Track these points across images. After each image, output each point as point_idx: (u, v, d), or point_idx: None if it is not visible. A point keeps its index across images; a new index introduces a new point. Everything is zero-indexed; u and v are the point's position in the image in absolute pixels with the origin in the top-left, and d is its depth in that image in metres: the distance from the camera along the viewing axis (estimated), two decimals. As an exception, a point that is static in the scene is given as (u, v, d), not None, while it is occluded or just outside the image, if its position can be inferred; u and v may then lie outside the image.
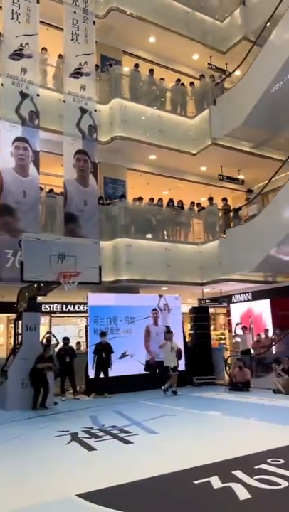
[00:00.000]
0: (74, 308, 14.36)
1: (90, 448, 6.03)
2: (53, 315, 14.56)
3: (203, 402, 10.41)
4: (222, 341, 17.36)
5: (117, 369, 11.65)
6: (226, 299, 15.87)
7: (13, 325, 12.41)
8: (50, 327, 14.16)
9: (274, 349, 13.14)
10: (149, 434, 6.83)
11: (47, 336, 11.98)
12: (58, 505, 4.06)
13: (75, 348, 12.19)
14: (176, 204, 14.68)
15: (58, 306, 14.18)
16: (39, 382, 9.67)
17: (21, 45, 12.15)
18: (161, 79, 15.44)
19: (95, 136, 13.22)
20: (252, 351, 13.39)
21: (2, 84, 11.75)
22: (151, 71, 15.28)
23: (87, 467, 5.24)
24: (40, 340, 10.93)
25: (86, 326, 12.47)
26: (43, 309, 13.04)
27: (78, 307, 14.27)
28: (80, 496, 4.16)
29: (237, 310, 16.28)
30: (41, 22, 12.91)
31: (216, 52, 16.69)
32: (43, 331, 11.80)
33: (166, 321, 12.95)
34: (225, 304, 16.05)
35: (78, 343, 13.27)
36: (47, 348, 10.34)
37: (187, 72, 17.12)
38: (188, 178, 16.49)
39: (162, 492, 4.25)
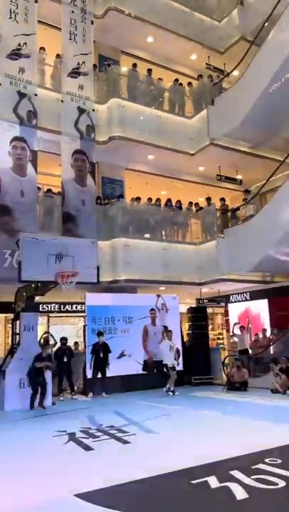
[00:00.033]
0: (72, 308, 14.35)
1: (87, 448, 6.03)
2: (50, 315, 14.56)
3: (201, 401, 10.41)
4: (220, 341, 17.39)
5: (115, 369, 11.65)
6: (224, 299, 15.88)
7: (10, 325, 12.41)
8: (48, 327, 14.16)
9: (272, 349, 13.16)
10: (147, 433, 6.84)
11: (45, 336, 11.97)
12: (56, 505, 4.06)
13: (72, 348, 12.18)
14: (174, 204, 14.69)
15: (56, 306, 14.17)
16: (37, 381, 9.67)
17: (19, 44, 12.12)
18: (159, 79, 15.45)
19: (93, 136, 13.21)
20: (250, 351, 13.40)
21: (0, 84, 11.73)
22: (150, 71, 15.29)
23: (85, 467, 5.24)
24: (38, 340, 10.93)
25: (84, 326, 12.47)
26: (40, 309, 13.04)
27: (76, 307, 14.26)
28: (78, 495, 4.16)
29: (235, 310, 16.29)
30: (39, 22, 12.87)
31: (214, 52, 16.68)
32: (40, 331, 11.79)
33: (164, 321, 12.96)
34: (223, 304, 16.07)
35: (76, 343, 13.27)
36: (45, 347, 10.34)
37: (185, 72, 17.12)
38: (186, 178, 16.49)
39: (160, 492, 4.26)
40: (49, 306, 14.04)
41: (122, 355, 12.14)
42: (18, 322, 10.67)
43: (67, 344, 11.63)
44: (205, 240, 14.42)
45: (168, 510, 3.89)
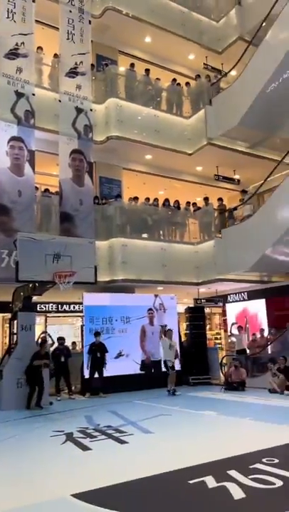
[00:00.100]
0: (69, 308, 14.31)
1: (85, 448, 6.02)
2: (48, 315, 14.51)
3: (199, 401, 10.41)
4: (217, 341, 17.39)
5: (113, 369, 11.64)
6: (222, 299, 15.89)
7: (8, 325, 12.38)
8: (46, 327, 14.13)
9: (269, 349, 13.16)
10: (144, 433, 6.83)
11: (42, 335, 11.95)
12: (53, 505, 4.05)
13: (70, 347, 12.18)
14: (172, 204, 14.69)
15: (54, 306, 14.13)
16: (35, 380, 9.65)
17: (17, 44, 12.11)
18: (157, 79, 15.45)
19: (91, 136, 13.20)
20: (247, 351, 13.40)
21: (-2, 84, 11.72)
22: (147, 71, 15.29)
23: (82, 467, 5.23)
24: (36, 339, 10.92)
25: (82, 326, 12.46)
26: (38, 309, 13.00)
27: (74, 307, 14.22)
28: (75, 495, 4.16)
29: (232, 310, 16.30)
30: (37, 21, 12.86)
31: (212, 52, 16.72)
32: (38, 330, 11.77)
33: (162, 321, 12.95)
34: (220, 304, 16.08)
35: (74, 343, 13.25)
36: (43, 345, 10.34)
37: (183, 72, 17.14)
38: (184, 178, 16.51)
39: (157, 492, 4.25)
40: (47, 306, 14.00)
41: (119, 355, 12.14)
42: (15, 322, 10.65)
43: (65, 344, 11.63)
44: (203, 239, 14.44)
45: (165, 509, 3.88)
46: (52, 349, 11.11)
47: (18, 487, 4.65)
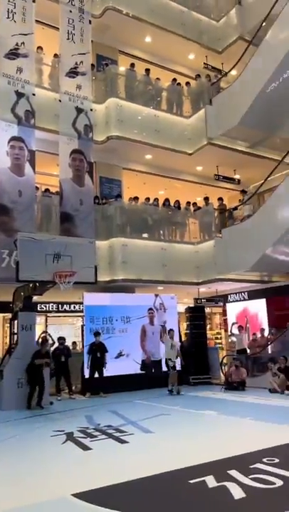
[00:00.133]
0: (70, 307, 14.32)
1: (85, 447, 6.03)
2: (48, 314, 14.52)
3: (199, 401, 10.42)
4: (218, 341, 17.39)
5: (113, 368, 11.64)
6: (222, 299, 15.90)
7: (8, 325, 12.39)
8: (46, 327, 14.13)
9: (270, 348, 13.17)
10: (145, 433, 6.84)
11: (43, 335, 11.95)
12: (54, 504, 4.06)
13: (70, 347, 12.18)
14: (172, 204, 14.69)
15: (54, 306, 14.14)
16: (36, 379, 9.66)
17: (17, 44, 12.11)
18: (157, 78, 15.45)
19: (91, 136, 13.19)
20: (248, 351, 13.41)
21: (-2, 84, 11.72)
22: (147, 71, 15.29)
23: (83, 467, 5.24)
24: (36, 339, 10.92)
25: (82, 326, 12.47)
26: (38, 309, 13.01)
27: (74, 307, 14.23)
28: (76, 495, 4.16)
29: (233, 309, 16.31)
30: (37, 21, 12.85)
31: (212, 51, 16.72)
32: (38, 330, 11.78)
33: (162, 321, 12.96)
34: (221, 304, 16.08)
35: (74, 343, 13.25)
36: (44, 344, 10.34)
37: (183, 72, 17.14)
38: (184, 178, 16.51)
39: (157, 491, 4.26)
40: (47, 305, 14.01)
41: (120, 354, 12.15)
42: (16, 322, 10.65)
43: (65, 344, 11.64)
44: (203, 239, 14.44)
45: (165, 509, 3.89)
46: (52, 349, 11.11)
47: (19, 487, 4.65)
